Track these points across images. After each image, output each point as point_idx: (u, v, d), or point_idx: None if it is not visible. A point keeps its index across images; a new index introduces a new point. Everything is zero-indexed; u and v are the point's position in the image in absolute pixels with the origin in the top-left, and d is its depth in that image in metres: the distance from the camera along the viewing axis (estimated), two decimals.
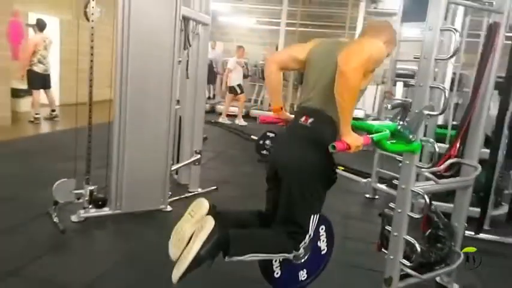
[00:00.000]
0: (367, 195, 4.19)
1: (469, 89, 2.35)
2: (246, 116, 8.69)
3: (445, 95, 1.86)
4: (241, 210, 1.91)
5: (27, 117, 6.47)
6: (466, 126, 2.23)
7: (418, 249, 2.05)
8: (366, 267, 2.66)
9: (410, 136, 1.84)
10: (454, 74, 3.45)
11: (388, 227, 2.21)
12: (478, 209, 2.87)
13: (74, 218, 2.90)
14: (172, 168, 3.39)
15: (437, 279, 2.46)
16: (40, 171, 3.98)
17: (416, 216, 2.07)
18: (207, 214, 1.61)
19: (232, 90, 8.20)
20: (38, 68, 6.27)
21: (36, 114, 6.33)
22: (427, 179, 2.13)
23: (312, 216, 1.73)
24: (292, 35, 9.20)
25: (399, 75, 4.83)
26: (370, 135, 1.62)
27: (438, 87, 1.93)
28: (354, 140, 1.51)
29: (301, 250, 1.77)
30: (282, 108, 1.95)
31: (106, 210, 3.00)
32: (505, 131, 2.63)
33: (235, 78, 8.16)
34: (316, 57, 1.80)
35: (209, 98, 10.55)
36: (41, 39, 6.30)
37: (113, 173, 2.98)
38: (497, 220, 3.27)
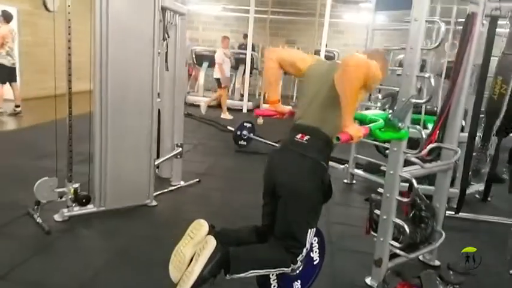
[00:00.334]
0: (345, 181, 4.33)
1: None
2: (218, 107, 8.63)
3: (431, 84, 1.95)
4: (239, 228, 1.92)
5: None
6: (446, 113, 2.35)
7: (407, 230, 2.16)
8: (352, 250, 2.77)
9: (400, 124, 1.92)
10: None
11: (377, 211, 2.32)
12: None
13: (57, 217, 2.81)
14: (156, 163, 3.34)
15: (420, 257, 2.61)
16: (13, 170, 3.81)
17: (404, 199, 2.18)
18: (208, 234, 1.64)
19: (224, 81, 7.97)
20: (6, 61, 5.99)
21: (0, 109, 6.03)
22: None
23: (309, 231, 1.77)
24: (262, 22, 9.17)
25: None
26: (368, 125, 1.69)
27: (423, 77, 2.03)
28: (356, 131, 1.56)
29: (299, 263, 1.81)
30: (279, 101, 1.97)
31: (90, 208, 2.93)
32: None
33: (226, 71, 7.96)
34: (314, 74, 1.83)
35: None
36: (9, 31, 6.01)
37: (96, 169, 2.90)
38: (467, 199, 3.47)
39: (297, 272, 1.96)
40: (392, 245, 2.24)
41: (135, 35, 2.86)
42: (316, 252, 2.06)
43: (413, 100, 1.98)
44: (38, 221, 2.70)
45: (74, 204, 2.86)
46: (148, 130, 3.07)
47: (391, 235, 2.25)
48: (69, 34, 2.66)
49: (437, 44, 2.02)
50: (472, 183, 3.71)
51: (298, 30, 11.63)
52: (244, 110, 8.82)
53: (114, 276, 2.27)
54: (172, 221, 3.06)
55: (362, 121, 1.82)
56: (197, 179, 3.91)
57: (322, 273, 2.14)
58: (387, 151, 2.26)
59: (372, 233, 2.38)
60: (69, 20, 2.62)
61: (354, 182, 4.34)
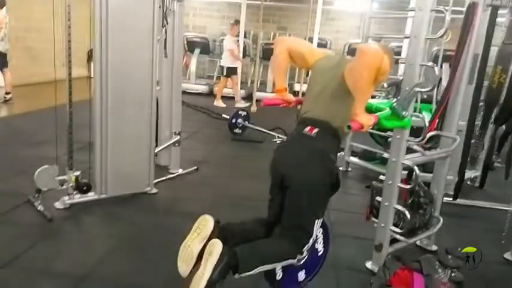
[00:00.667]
0: (341, 168, 4.38)
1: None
2: (210, 95, 8.60)
3: (435, 72, 1.99)
4: (245, 221, 1.93)
5: None
6: (446, 102, 2.39)
7: (408, 216, 2.22)
8: (351, 235, 2.83)
9: (404, 113, 1.95)
10: None
11: (378, 198, 2.37)
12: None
13: (58, 205, 2.81)
14: (155, 151, 3.34)
15: (418, 242, 2.69)
16: (9, 158, 3.76)
17: (407, 186, 2.23)
18: (213, 231, 1.65)
19: (233, 71, 7.81)
20: (1, 47, 5.84)
21: None
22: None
23: (316, 221, 1.79)
24: (254, 8, 9.08)
25: None
26: (376, 114, 1.71)
27: (427, 65, 2.06)
28: (366, 119, 1.59)
29: (305, 253, 1.83)
30: (286, 90, 1.98)
31: (91, 195, 2.93)
32: None
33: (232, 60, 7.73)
34: (323, 68, 1.84)
35: None
36: (3, 16, 5.86)
37: (97, 157, 2.89)
38: (464, 186, 3.54)
39: (301, 262, 2.00)
40: (393, 230, 2.30)
41: (135, 21, 2.83)
42: (320, 243, 2.09)
43: (417, 89, 2.01)
44: (39, 208, 2.69)
45: (75, 192, 2.85)
46: (148, 118, 3.06)
47: (392, 221, 2.30)
48: (69, 20, 2.62)
49: (442, 33, 2.03)
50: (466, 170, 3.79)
51: (290, 17, 11.55)
52: (237, 98, 8.78)
53: (118, 262, 2.29)
54: (173, 208, 3.09)
55: (368, 110, 1.84)
56: (195, 167, 3.92)
57: None
58: (389, 139, 2.29)
59: (373, 219, 2.43)
60: (69, 5, 2.58)
61: (350, 169, 4.41)
